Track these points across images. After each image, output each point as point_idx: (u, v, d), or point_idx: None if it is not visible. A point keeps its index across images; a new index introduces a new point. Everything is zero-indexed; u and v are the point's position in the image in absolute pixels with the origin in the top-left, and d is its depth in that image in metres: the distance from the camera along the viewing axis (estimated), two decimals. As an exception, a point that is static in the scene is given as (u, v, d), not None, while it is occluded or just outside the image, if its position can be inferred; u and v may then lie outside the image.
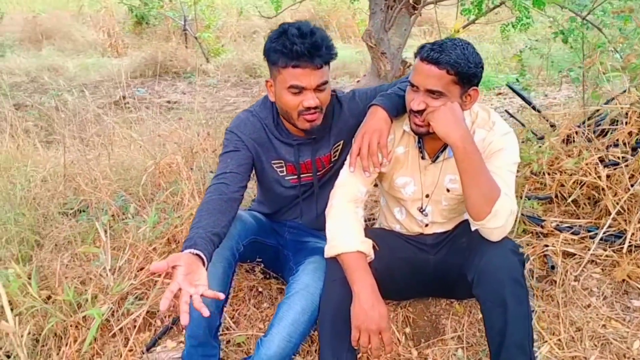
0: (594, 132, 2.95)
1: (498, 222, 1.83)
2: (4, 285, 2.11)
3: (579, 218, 2.72)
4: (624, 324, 2.21)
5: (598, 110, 3.13)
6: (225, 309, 2.20)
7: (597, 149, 2.71)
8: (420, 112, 1.88)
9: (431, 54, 1.82)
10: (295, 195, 2.33)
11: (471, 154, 1.82)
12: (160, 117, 3.99)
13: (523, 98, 3.91)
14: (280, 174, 2.27)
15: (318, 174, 2.28)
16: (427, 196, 2.14)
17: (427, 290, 2.33)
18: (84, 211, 3.14)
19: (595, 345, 2.14)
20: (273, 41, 1.98)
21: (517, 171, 2.88)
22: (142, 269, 2.57)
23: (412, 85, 1.90)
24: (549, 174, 2.84)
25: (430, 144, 2.07)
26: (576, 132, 2.94)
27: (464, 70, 1.83)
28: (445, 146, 2.03)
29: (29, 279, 2.32)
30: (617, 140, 2.74)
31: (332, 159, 2.28)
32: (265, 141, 2.22)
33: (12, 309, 2.27)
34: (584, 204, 2.76)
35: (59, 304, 2.36)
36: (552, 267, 2.41)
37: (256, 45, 9.78)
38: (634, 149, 2.67)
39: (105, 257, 2.49)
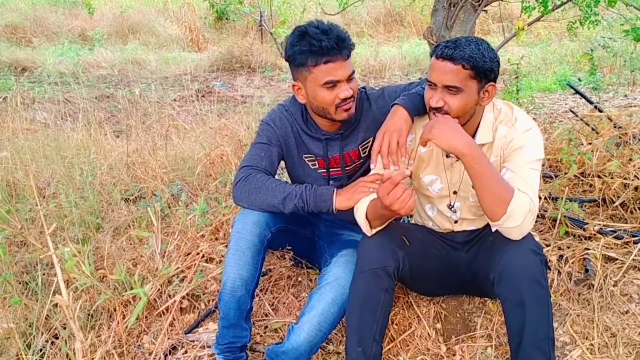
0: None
1: (514, 221, 1.84)
2: (60, 262, 2.28)
3: (625, 222, 2.65)
4: (661, 333, 2.15)
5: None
6: (256, 293, 2.29)
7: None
8: (439, 109, 1.91)
9: (445, 50, 1.86)
10: None
11: (479, 159, 1.84)
12: (229, 110, 4.14)
13: (583, 96, 3.81)
14: (312, 167, 2.35)
15: (347, 169, 2.33)
16: (454, 193, 2.16)
17: (459, 288, 2.35)
18: (144, 198, 3.32)
19: (630, 353, 2.09)
20: (296, 44, 2.06)
21: (565, 172, 2.85)
22: (189, 254, 2.71)
23: (430, 84, 1.94)
24: (598, 176, 2.77)
25: None
26: (633, 136, 2.86)
27: (479, 64, 1.85)
28: None
29: (86, 258, 2.49)
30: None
31: (362, 155, 2.33)
32: (296, 136, 2.31)
33: (67, 285, 2.46)
34: (633, 208, 2.68)
35: (112, 283, 2.53)
36: (586, 271, 2.36)
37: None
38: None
39: (155, 241, 2.63)
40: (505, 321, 1.90)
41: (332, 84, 2.06)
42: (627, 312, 2.25)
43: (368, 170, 2.29)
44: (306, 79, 2.10)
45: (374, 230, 2.07)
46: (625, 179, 2.64)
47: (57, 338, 2.43)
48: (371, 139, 2.28)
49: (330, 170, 2.34)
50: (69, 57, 9.17)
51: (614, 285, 2.34)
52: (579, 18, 4.14)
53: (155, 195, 3.10)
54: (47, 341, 2.41)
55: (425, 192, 2.22)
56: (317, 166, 2.34)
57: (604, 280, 2.35)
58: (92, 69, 8.89)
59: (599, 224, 2.60)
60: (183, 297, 2.54)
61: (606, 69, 6.28)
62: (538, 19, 4.22)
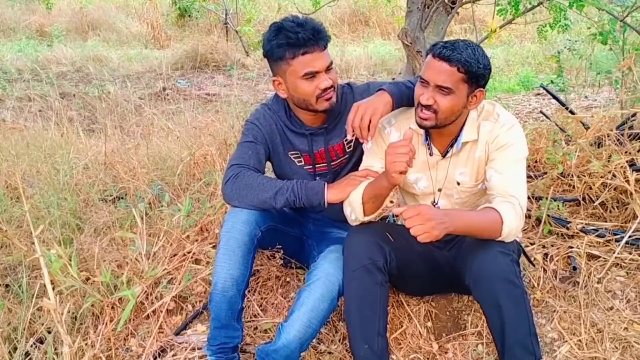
0: (628, 135, 2.95)
1: (511, 237, 1.94)
2: (46, 265, 2.23)
3: (605, 221, 2.73)
4: (646, 327, 2.22)
5: (630, 115, 3.12)
6: (246, 293, 2.28)
7: (628, 152, 2.72)
8: (428, 106, 1.95)
9: (443, 51, 1.89)
10: None
11: (460, 226, 1.88)
12: (199, 109, 4.10)
13: (557, 99, 3.90)
14: (298, 164, 2.36)
15: (332, 164, 2.35)
16: (439, 190, 2.20)
17: (446, 287, 2.39)
18: (122, 198, 3.27)
19: (616, 347, 2.16)
20: (273, 39, 2.09)
21: (545, 172, 2.93)
22: (175, 255, 2.67)
23: (423, 81, 1.96)
24: (577, 176, 2.85)
25: (438, 140, 2.13)
26: (607, 135, 2.94)
27: (473, 69, 1.89)
28: (453, 141, 2.10)
29: (69, 260, 2.44)
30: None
31: (347, 150, 2.35)
32: (281, 134, 2.32)
33: (53, 288, 2.41)
34: (612, 207, 2.76)
35: (96, 285, 2.48)
36: (574, 269, 2.43)
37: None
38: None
39: (140, 242, 2.59)
40: (487, 324, 1.95)
41: (312, 75, 2.09)
42: (611, 308, 2.32)
43: (355, 167, 2.32)
44: (285, 73, 2.12)
45: (367, 218, 2.10)
46: (602, 177, 2.72)
47: (41, 342, 2.38)
48: None
49: (317, 165, 2.35)
50: (27, 53, 8.95)
51: (598, 283, 2.41)
52: (549, 22, 4.25)
53: (136, 196, 3.05)
54: (31, 346, 2.35)
55: (411, 189, 2.26)
56: (302, 163, 2.35)
57: (588, 278, 2.43)
58: (52, 65, 8.69)
59: (581, 223, 2.68)
60: (170, 299, 2.51)
61: (570, 71, 6.45)
62: (509, 22, 4.31)
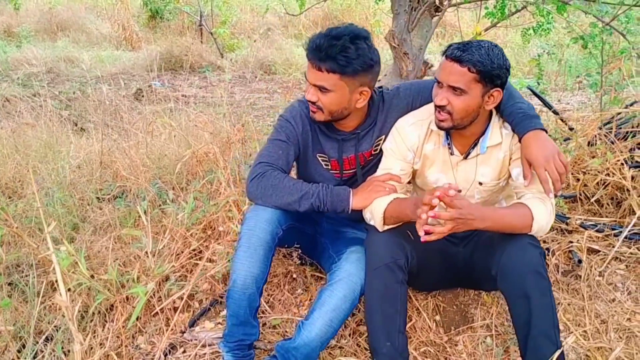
0: (616, 135, 3.05)
1: (542, 233, 2.00)
2: (58, 262, 2.21)
3: (602, 217, 2.82)
4: (648, 318, 2.31)
5: (614, 116, 3.23)
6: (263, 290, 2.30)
7: (621, 150, 2.81)
8: (443, 107, 1.98)
9: (455, 52, 1.93)
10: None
11: (490, 225, 1.95)
12: (186, 109, 4.08)
13: (543, 101, 3.99)
14: (325, 167, 2.36)
15: (362, 169, 2.36)
16: (459, 191, 2.23)
17: (456, 282, 2.44)
18: (119, 197, 3.24)
19: (621, 337, 2.24)
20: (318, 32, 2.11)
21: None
22: (181, 252, 2.67)
23: (438, 82, 2.01)
24: (572, 174, 2.94)
25: (459, 140, 2.16)
26: (598, 135, 3.04)
27: (486, 69, 1.91)
28: (476, 142, 2.13)
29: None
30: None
31: (374, 153, 2.36)
32: (313, 134, 2.32)
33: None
34: (607, 203, 2.86)
35: (103, 283, 2.46)
36: (579, 261, 2.51)
37: (270, 42, 9.86)
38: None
39: (147, 240, 2.58)
40: (511, 314, 1.98)
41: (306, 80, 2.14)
42: (614, 300, 2.41)
43: (378, 165, 2.32)
44: None
45: (386, 227, 2.12)
46: (599, 174, 2.81)
47: (47, 340, 2.35)
48: (383, 136, 2.31)
49: (344, 172, 2.36)
50: (-5, 54, 8.78)
51: (599, 276, 2.50)
52: (532, 25, 4.37)
53: (137, 195, 3.03)
54: (36, 343, 2.32)
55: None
56: (329, 167, 2.36)
57: (589, 271, 2.51)
58: (22, 66, 8.53)
59: (580, 219, 2.76)
60: (178, 297, 2.50)
61: (546, 75, 6.60)
62: (494, 25, 4.41)
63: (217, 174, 2.91)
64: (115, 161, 3.35)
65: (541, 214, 1.95)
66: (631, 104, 3.21)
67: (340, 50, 2.02)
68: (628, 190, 2.68)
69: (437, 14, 4.55)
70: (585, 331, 2.27)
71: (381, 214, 2.09)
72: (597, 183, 2.85)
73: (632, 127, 3.00)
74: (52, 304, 2.51)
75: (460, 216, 1.87)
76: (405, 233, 2.12)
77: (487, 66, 1.91)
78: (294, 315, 2.50)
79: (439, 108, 2.00)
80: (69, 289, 2.37)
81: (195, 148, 3.03)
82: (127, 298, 2.46)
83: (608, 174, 2.79)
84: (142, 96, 6.90)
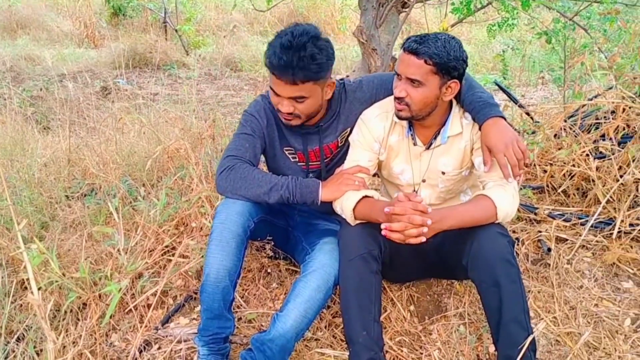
0: (580, 127, 3.13)
1: (509, 218, 2.04)
2: (30, 260, 2.17)
3: (568, 207, 2.90)
4: (615, 304, 2.38)
5: (579, 109, 3.32)
6: (237, 284, 2.30)
7: (585, 142, 2.89)
8: (401, 99, 2.03)
9: (412, 45, 1.97)
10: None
11: (454, 224, 1.98)
12: (155, 105, 4.05)
13: (509, 95, 4.08)
14: (293, 160, 2.38)
15: (325, 160, 2.39)
16: (423, 181, 2.28)
17: (429, 273, 2.47)
18: (88, 195, 3.20)
19: (589, 322, 2.30)
20: (270, 45, 2.08)
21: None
22: (153, 249, 2.65)
23: (397, 74, 2.05)
24: (539, 165, 3.01)
25: (421, 131, 2.21)
26: (563, 128, 3.12)
27: (442, 61, 1.96)
28: (437, 133, 2.18)
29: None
30: (604, 134, 2.92)
31: (339, 145, 2.39)
32: (278, 128, 2.33)
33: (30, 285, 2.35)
34: (573, 194, 2.94)
35: (74, 281, 2.43)
36: (549, 250, 2.57)
37: (236, 39, 9.82)
38: (620, 143, 2.85)
39: (119, 237, 2.56)
40: (483, 302, 2.02)
41: (276, 94, 2.13)
42: (581, 286, 2.47)
43: (344, 159, 2.34)
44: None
45: (357, 222, 2.15)
46: (564, 165, 2.88)
47: (19, 340, 2.31)
48: (349, 129, 2.34)
49: (310, 163, 2.38)
50: (-47, 51, 8.57)
51: (567, 263, 2.56)
52: (497, 21, 4.44)
53: (106, 192, 3.00)
54: (7, 344, 2.29)
55: (396, 180, 2.33)
56: (297, 159, 2.38)
57: (558, 259, 2.57)
58: (-19, 65, 8.35)
59: (548, 209, 2.83)
60: (152, 294, 2.49)
61: (511, 70, 6.73)
62: (460, 21, 4.47)
63: (188, 170, 2.90)
64: (84, 159, 3.31)
65: (503, 200, 1.99)
66: (595, 97, 3.29)
67: (310, 59, 2.03)
68: (593, 180, 2.75)
69: (403, 10, 4.61)
70: (555, 317, 2.33)
71: (350, 211, 2.12)
72: (564, 174, 2.92)
73: (596, 119, 3.08)
74: (23, 303, 2.47)
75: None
76: (378, 225, 2.15)
77: (443, 58, 1.96)
78: (269, 309, 2.51)
79: (398, 99, 2.04)
80: (40, 288, 2.34)
81: (166, 144, 3.00)
82: (100, 296, 2.44)
83: (574, 165, 2.86)
84: (108, 94, 6.82)
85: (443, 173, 2.22)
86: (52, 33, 10.74)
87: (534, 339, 1.90)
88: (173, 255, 2.62)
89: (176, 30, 9.34)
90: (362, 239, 2.09)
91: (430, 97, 2.02)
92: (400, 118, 2.11)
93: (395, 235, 1.93)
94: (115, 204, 2.73)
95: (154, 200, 2.84)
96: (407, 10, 4.61)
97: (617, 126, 2.85)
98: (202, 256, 2.56)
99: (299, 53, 2.01)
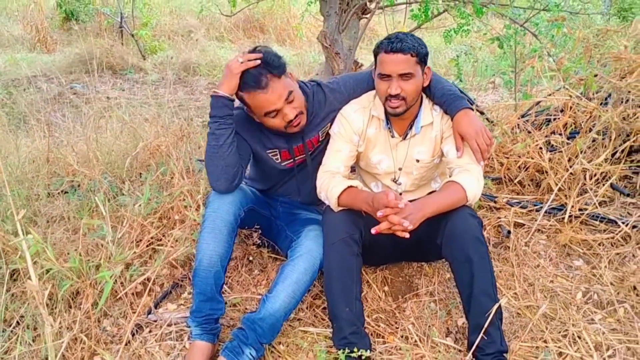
0: (532, 124, 3.41)
1: (477, 197, 2.28)
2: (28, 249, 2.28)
3: (524, 195, 3.16)
4: (568, 280, 2.64)
5: (531, 108, 3.60)
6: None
7: (538, 137, 3.16)
8: (397, 95, 2.24)
9: (395, 45, 2.20)
10: (289, 174, 2.62)
11: (433, 211, 2.17)
12: (129, 107, 4.15)
13: (466, 97, 4.33)
14: (276, 162, 2.56)
15: (311, 153, 2.57)
16: (400, 169, 2.50)
17: (403, 255, 2.68)
18: (67, 192, 3.30)
19: (546, 297, 2.55)
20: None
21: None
22: (140, 240, 2.78)
23: (383, 76, 2.26)
24: (496, 158, 3.27)
25: (398, 124, 2.43)
26: (517, 125, 3.39)
27: (420, 51, 2.22)
28: (412, 124, 2.41)
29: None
30: (554, 130, 3.20)
31: (320, 140, 2.58)
32: (259, 133, 2.50)
33: (25, 273, 2.46)
34: (528, 184, 3.20)
35: (66, 271, 2.54)
36: (509, 233, 2.82)
37: (194, 44, 9.91)
38: (569, 137, 3.13)
39: (107, 228, 2.68)
40: (455, 277, 2.24)
41: (274, 113, 2.31)
42: (538, 266, 2.73)
43: (324, 149, 2.54)
44: (250, 111, 2.37)
45: (340, 208, 2.34)
46: (519, 158, 3.15)
47: (10, 326, 2.41)
48: (329, 124, 2.53)
49: (296, 158, 2.56)
50: None
51: (525, 246, 2.81)
52: (453, 27, 4.71)
53: (88, 189, 3.11)
54: (4, 331, 2.38)
55: (373, 170, 2.54)
56: (280, 159, 2.55)
57: (516, 242, 2.82)
58: None
59: (506, 197, 3.08)
60: (139, 282, 2.61)
61: (465, 74, 7.03)
62: (418, 27, 4.72)
63: (169, 165, 3.03)
64: (61, 157, 3.40)
65: (470, 183, 2.23)
66: (546, 96, 3.58)
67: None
68: (546, 171, 3.02)
69: (364, 16, 4.83)
70: (515, 293, 2.57)
71: (335, 200, 2.31)
72: (519, 166, 3.19)
73: (547, 117, 3.36)
74: (15, 293, 2.56)
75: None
76: (359, 211, 2.35)
77: (419, 48, 2.22)
78: (253, 294, 2.67)
79: (394, 97, 2.25)
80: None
81: (147, 141, 3.13)
82: (91, 284, 2.55)
83: (529, 158, 3.13)
84: (66, 99, 6.82)
85: (417, 161, 2.44)
86: (2, 38, 10.58)
87: (500, 307, 2.12)
88: (159, 245, 2.76)
89: (132, 35, 9.36)
90: (344, 224, 2.28)
91: (419, 86, 2.28)
92: (396, 115, 2.32)
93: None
94: (101, 198, 2.85)
95: (137, 195, 2.96)
96: (367, 16, 4.85)
97: (566, 122, 3.13)
98: (187, 246, 2.71)
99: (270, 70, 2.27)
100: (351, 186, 2.31)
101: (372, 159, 2.50)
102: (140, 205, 2.86)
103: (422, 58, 2.24)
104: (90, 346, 2.31)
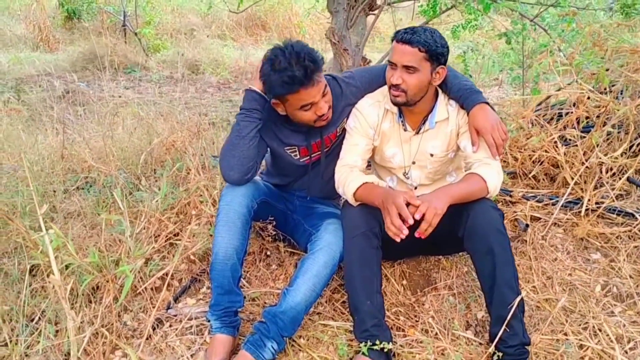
0: (544, 119, 3.42)
1: (497, 191, 2.28)
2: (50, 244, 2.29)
3: (539, 190, 3.17)
4: (586, 273, 2.65)
5: (541, 103, 3.62)
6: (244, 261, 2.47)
7: (552, 132, 3.17)
8: (397, 85, 2.25)
9: (405, 35, 2.20)
10: (306, 170, 2.63)
11: (456, 196, 2.17)
12: (143, 105, 4.16)
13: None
14: (295, 158, 2.56)
15: (326, 149, 2.57)
16: (413, 163, 2.50)
17: (422, 250, 2.69)
18: (83, 188, 3.31)
19: (564, 290, 2.56)
20: (270, 75, 2.24)
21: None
22: (158, 235, 2.79)
23: (391, 64, 2.27)
24: (511, 153, 3.28)
25: (411, 117, 2.44)
26: (530, 119, 3.40)
27: (432, 48, 2.20)
28: (425, 118, 2.41)
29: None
30: (567, 124, 3.21)
31: (338, 135, 2.58)
32: (278, 132, 2.50)
33: (45, 268, 2.47)
34: (542, 178, 3.22)
35: (87, 265, 2.55)
36: (527, 226, 2.83)
37: (197, 42, 9.91)
38: (582, 131, 3.14)
39: (126, 223, 2.68)
40: (477, 269, 2.25)
41: (309, 106, 2.30)
42: (556, 259, 2.74)
43: (340, 146, 2.54)
44: (284, 104, 2.33)
45: (357, 203, 2.34)
46: (533, 153, 3.16)
47: (32, 321, 2.42)
48: (345, 119, 2.54)
49: (313, 155, 2.56)
50: None
51: (542, 239, 2.82)
52: (461, 23, 4.72)
53: (105, 184, 3.12)
54: (27, 326, 2.39)
55: (388, 164, 2.55)
56: (298, 156, 2.55)
57: (533, 236, 2.83)
58: None
59: (522, 192, 3.10)
60: (157, 277, 2.62)
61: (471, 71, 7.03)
62: (426, 23, 4.72)
63: (185, 161, 3.04)
64: (75, 154, 3.41)
65: (491, 175, 2.23)
66: (557, 90, 3.59)
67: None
68: (561, 165, 3.03)
69: (371, 12, 4.84)
70: (534, 286, 2.58)
71: (351, 195, 2.33)
72: (533, 161, 3.20)
73: (559, 111, 3.37)
74: (35, 288, 2.57)
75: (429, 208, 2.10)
76: None
77: (432, 46, 2.20)
78: (271, 288, 2.68)
79: (395, 87, 2.26)
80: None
81: (163, 137, 3.14)
82: (111, 279, 2.56)
83: (544, 152, 3.14)
84: (71, 97, 6.82)
85: (432, 155, 2.45)
86: (4, 37, 10.58)
87: (522, 299, 2.13)
88: (177, 240, 2.77)
89: (136, 34, 9.37)
90: (364, 218, 2.29)
91: (424, 82, 2.25)
92: (396, 104, 2.33)
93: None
94: (119, 193, 2.85)
95: (154, 190, 2.97)
96: (375, 12, 4.86)
97: (579, 116, 3.14)
98: (204, 241, 2.73)
99: (301, 58, 2.20)
100: (367, 182, 2.32)
101: (386, 153, 2.51)
102: (157, 200, 2.87)
103: (433, 55, 2.21)
104: (111, 340, 2.32)
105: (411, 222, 2.08)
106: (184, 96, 7.46)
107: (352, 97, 2.51)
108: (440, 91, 2.42)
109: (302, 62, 2.19)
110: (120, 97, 7.31)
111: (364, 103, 2.49)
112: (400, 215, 2.09)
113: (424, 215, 2.07)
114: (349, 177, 2.37)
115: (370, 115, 2.46)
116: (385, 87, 2.43)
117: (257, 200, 2.43)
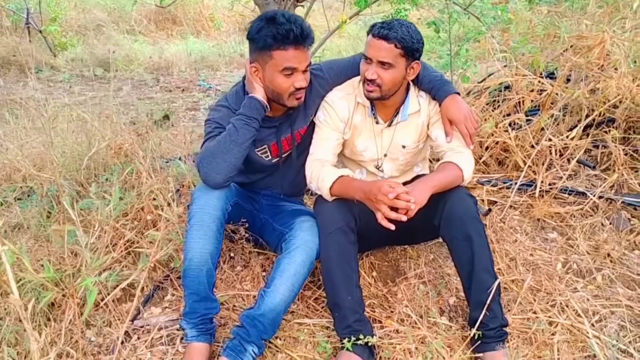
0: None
1: (470, 177, 2.33)
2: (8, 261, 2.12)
3: (490, 174, 3.26)
4: (546, 252, 2.75)
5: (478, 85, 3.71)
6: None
7: (497, 117, 3.26)
8: (372, 80, 2.23)
9: (381, 30, 2.18)
10: (274, 168, 2.57)
11: (437, 185, 2.20)
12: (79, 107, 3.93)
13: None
14: (266, 159, 2.50)
15: (297, 144, 2.52)
16: (385, 155, 2.50)
17: (391, 239, 2.69)
18: (19, 199, 3.09)
19: (528, 270, 2.64)
20: (263, 28, 2.18)
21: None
22: (115, 244, 2.65)
23: (366, 58, 2.25)
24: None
25: (382, 110, 2.43)
26: (472, 105, 3.48)
27: (408, 44, 2.19)
28: (397, 111, 2.41)
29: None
30: (509, 110, 3.31)
31: (307, 129, 2.52)
32: None
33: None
34: (492, 163, 3.30)
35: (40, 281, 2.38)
36: (489, 210, 2.90)
37: (106, 38, 9.51)
38: (527, 115, 3.25)
39: (80, 234, 2.53)
40: (454, 256, 2.28)
41: (290, 72, 2.23)
42: (516, 240, 2.82)
43: (311, 137, 2.49)
44: (266, 63, 2.23)
45: (333, 197, 2.31)
46: (482, 139, 3.24)
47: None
48: (314, 113, 2.48)
49: (283, 154, 2.50)
50: None
51: (501, 222, 2.90)
52: (391, 14, 4.76)
53: (48, 194, 2.92)
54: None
55: (359, 157, 2.53)
56: (270, 157, 2.50)
57: (492, 219, 2.90)
58: None
59: (475, 177, 3.16)
60: (120, 288, 2.49)
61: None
62: (357, 13, 4.75)
63: (135, 164, 2.90)
64: (8, 162, 3.18)
65: (465, 163, 2.28)
66: (489, 75, 3.70)
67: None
68: (512, 149, 3.12)
69: (299, 4, 4.82)
70: (499, 268, 2.65)
71: (327, 190, 2.29)
72: (483, 146, 3.28)
73: (497, 96, 3.47)
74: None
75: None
76: (352, 200, 2.33)
77: (408, 42, 2.18)
78: (239, 290, 2.61)
79: (370, 82, 2.24)
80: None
81: (110, 140, 2.98)
82: (70, 294, 2.41)
83: (496, 137, 3.21)
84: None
85: (403, 147, 2.45)
86: None
87: (499, 283, 2.18)
88: (137, 249, 2.64)
89: (40, 32, 8.87)
90: (340, 213, 2.26)
91: (399, 78, 2.24)
92: (370, 99, 2.31)
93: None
94: (68, 202, 2.68)
95: (103, 196, 2.81)
96: (302, 4, 4.83)
97: (520, 101, 3.25)
98: (165, 247, 2.61)
99: (299, 21, 2.19)
100: (342, 175, 2.29)
101: (357, 146, 2.49)
102: (109, 207, 2.72)
103: (409, 51, 2.20)
104: (78, 359, 2.19)
105: (409, 210, 2.09)
106: (97, 95, 7.16)
107: (321, 89, 2.47)
108: (411, 84, 2.41)
109: (300, 24, 2.17)
110: (30, 98, 6.93)
111: (333, 96, 2.44)
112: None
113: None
114: (321, 172, 2.32)
115: (341, 109, 2.42)
116: (355, 79, 2.40)
117: (230, 202, 2.33)
